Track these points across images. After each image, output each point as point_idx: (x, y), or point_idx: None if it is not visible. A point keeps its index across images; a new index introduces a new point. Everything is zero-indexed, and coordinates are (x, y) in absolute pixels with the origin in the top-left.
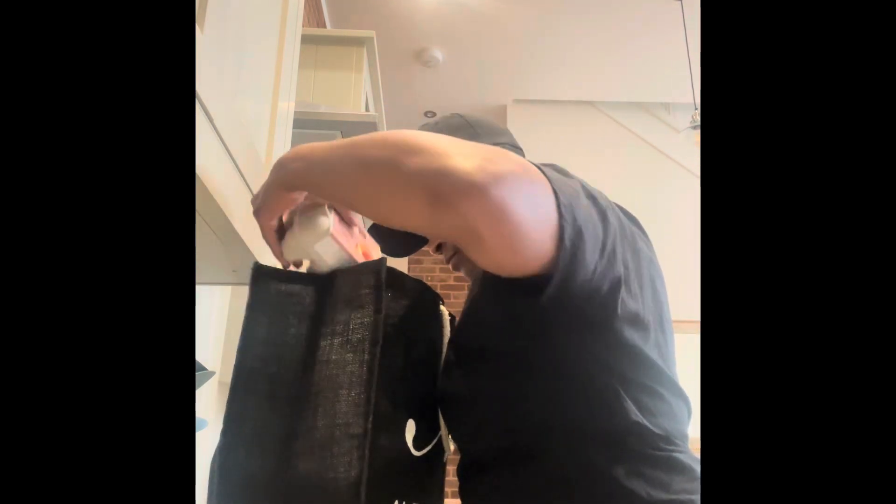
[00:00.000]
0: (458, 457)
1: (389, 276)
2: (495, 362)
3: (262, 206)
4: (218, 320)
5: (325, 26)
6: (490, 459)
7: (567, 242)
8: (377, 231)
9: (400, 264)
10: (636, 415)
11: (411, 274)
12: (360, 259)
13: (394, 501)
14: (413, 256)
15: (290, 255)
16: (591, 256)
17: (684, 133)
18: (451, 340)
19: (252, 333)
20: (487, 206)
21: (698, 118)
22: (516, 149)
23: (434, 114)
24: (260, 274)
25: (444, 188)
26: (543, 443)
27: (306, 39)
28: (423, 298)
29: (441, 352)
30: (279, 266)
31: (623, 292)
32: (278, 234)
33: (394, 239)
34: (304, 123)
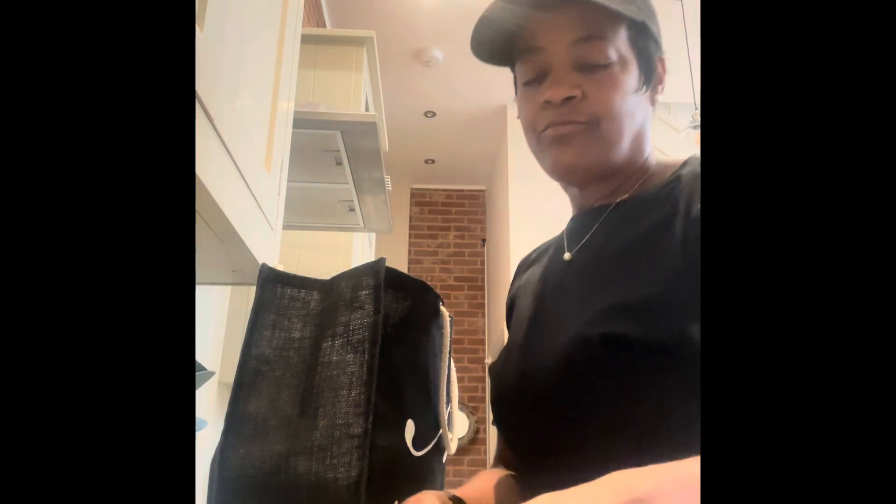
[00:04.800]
0: (458, 456)
1: (391, 277)
2: None
3: None
4: (218, 320)
5: (325, 26)
6: None
7: None
8: None
9: (400, 264)
10: None
11: (411, 274)
12: None
13: (394, 502)
14: (413, 256)
15: None
16: None
17: (684, 133)
18: None
19: (257, 335)
20: None
21: (698, 118)
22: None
23: (434, 114)
24: (267, 276)
25: None
26: None
27: (306, 39)
28: (425, 299)
29: (441, 352)
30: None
31: None
32: None
33: None
34: (304, 123)
